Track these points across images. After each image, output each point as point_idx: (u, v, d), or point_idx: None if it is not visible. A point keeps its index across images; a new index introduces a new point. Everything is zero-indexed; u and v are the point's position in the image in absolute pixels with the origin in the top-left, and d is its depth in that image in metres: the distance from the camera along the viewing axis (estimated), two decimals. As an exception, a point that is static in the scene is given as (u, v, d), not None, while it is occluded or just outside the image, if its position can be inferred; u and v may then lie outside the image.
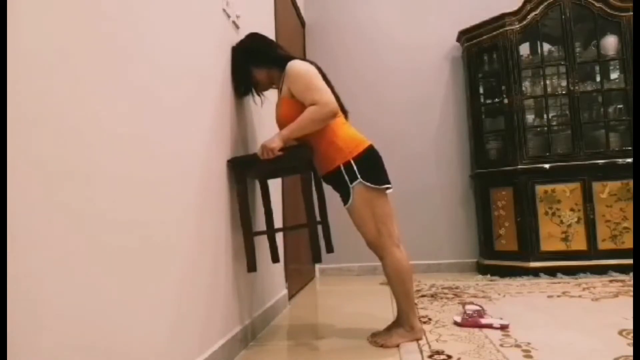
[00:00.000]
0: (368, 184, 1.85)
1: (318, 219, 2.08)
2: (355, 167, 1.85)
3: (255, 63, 1.99)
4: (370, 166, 1.89)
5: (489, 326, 2.00)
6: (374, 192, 1.87)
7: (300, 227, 2.07)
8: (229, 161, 1.89)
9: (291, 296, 2.93)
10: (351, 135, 1.92)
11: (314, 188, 1.99)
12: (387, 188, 1.91)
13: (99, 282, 1.01)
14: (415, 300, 2.68)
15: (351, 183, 1.85)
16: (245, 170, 1.92)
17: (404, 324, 1.91)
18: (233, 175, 1.91)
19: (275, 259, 2.17)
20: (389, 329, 1.96)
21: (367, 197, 1.87)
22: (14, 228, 0.78)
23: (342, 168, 1.86)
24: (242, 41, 2.04)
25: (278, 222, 2.60)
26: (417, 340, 1.89)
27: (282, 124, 1.92)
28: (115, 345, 1.06)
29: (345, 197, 1.90)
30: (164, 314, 1.30)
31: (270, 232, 2.15)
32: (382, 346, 1.87)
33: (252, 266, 1.93)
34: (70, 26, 0.96)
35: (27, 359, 0.80)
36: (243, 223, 1.92)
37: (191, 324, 1.46)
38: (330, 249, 2.09)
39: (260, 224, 2.22)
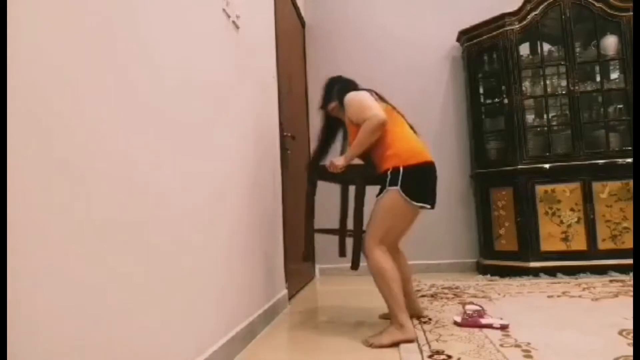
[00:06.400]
0: (403, 194, 1.93)
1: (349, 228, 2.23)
2: (400, 174, 1.94)
3: (331, 97, 2.26)
4: (416, 180, 1.97)
5: (489, 326, 2.01)
6: (405, 205, 1.95)
7: (349, 234, 2.24)
8: (308, 164, 2.36)
9: (291, 296, 2.93)
10: (407, 148, 2.03)
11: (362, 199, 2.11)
12: (422, 207, 2.01)
13: (98, 282, 1.01)
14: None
15: (389, 186, 1.95)
16: (318, 175, 2.29)
17: (394, 322, 1.93)
18: (308, 177, 2.34)
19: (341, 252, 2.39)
20: (384, 329, 1.96)
21: (395, 205, 1.96)
22: (14, 228, 0.78)
23: (389, 171, 1.97)
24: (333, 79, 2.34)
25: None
26: (410, 340, 1.86)
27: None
28: (115, 345, 1.06)
29: (380, 191, 2.02)
30: (164, 313, 1.30)
31: (342, 232, 2.37)
32: (370, 346, 1.87)
33: (307, 256, 2.38)
34: (70, 26, 0.96)
35: (27, 359, 0.80)
36: (307, 219, 2.33)
37: (191, 324, 1.46)
38: (356, 265, 2.11)
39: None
